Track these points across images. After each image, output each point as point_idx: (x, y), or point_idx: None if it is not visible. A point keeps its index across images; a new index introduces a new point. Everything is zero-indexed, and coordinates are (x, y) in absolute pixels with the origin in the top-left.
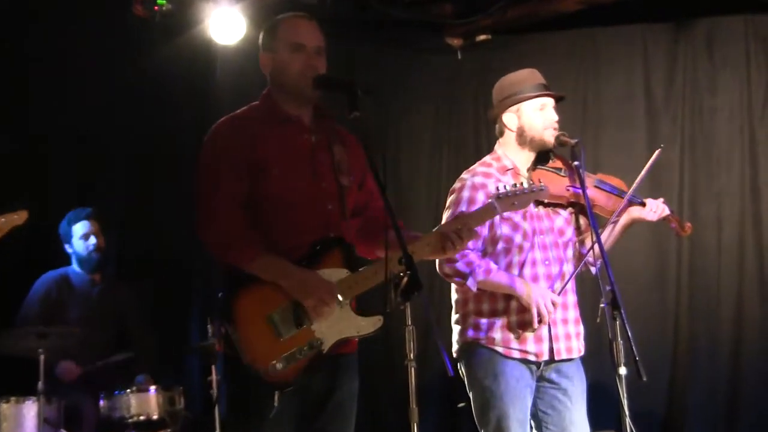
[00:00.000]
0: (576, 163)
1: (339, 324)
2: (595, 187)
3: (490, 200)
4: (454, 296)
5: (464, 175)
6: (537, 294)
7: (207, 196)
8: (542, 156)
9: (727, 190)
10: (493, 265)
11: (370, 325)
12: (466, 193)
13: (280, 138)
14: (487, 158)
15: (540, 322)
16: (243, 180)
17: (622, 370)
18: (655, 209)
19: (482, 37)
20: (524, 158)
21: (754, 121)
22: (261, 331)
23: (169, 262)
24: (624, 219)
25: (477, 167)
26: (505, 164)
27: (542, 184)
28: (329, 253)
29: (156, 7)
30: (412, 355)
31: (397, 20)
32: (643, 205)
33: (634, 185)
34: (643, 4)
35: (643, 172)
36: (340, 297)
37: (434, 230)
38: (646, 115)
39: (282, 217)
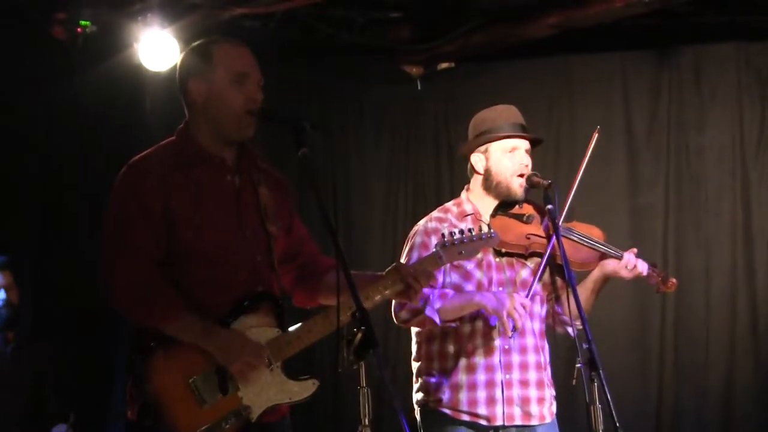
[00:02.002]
0: (549, 206)
1: (268, 390)
2: (564, 237)
3: (434, 249)
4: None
5: (421, 221)
6: (501, 299)
7: (115, 253)
8: (508, 202)
9: (717, 238)
10: (448, 291)
11: (303, 390)
12: (418, 239)
13: (199, 183)
14: (449, 203)
15: (514, 329)
16: (159, 232)
17: None
18: (630, 266)
19: (444, 65)
20: (488, 204)
21: (747, 160)
22: (182, 399)
23: (92, 316)
24: (595, 273)
25: (434, 212)
26: (465, 209)
27: (492, 231)
28: (257, 310)
29: (79, 29)
30: (366, 421)
31: (349, 45)
32: (620, 258)
33: (572, 189)
34: (623, 29)
35: (582, 166)
36: (270, 360)
37: (392, 269)
38: (625, 153)
39: (204, 273)
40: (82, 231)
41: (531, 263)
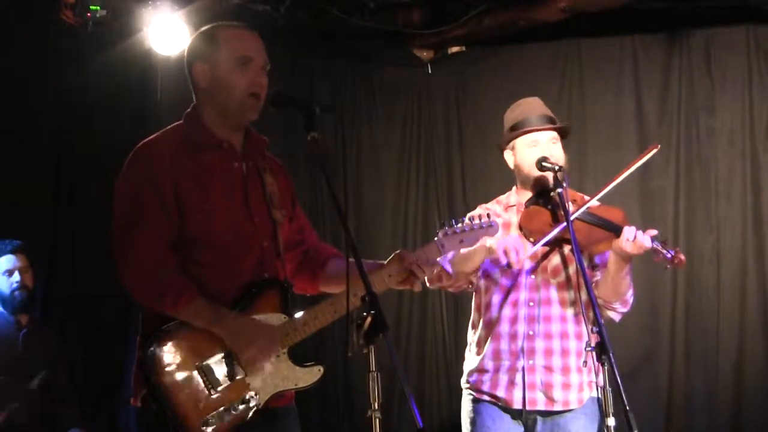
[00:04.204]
0: (559, 190)
1: (275, 376)
2: (577, 219)
3: (436, 238)
4: None
5: None
6: (504, 239)
7: (129, 233)
8: (545, 192)
9: (727, 221)
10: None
11: (309, 376)
12: None
13: (209, 168)
14: (504, 195)
15: (509, 266)
16: (171, 216)
17: (611, 421)
18: (630, 236)
19: (455, 48)
20: (527, 196)
21: (757, 143)
22: (191, 385)
23: (102, 302)
24: (612, 257)
25: (490, 202)
26: (510, 201)
27: (492, 220)
28: (264, 296)
29: (89, 14)
30: (376, 405)
31: (360, 30)
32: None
33: (613, 182)
34: (634, 12)
35: (627, 170)
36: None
37: (394, 257)
38: (636, 136)
39: (212, 259)
40: (92, 215)
41: (564, 250)
